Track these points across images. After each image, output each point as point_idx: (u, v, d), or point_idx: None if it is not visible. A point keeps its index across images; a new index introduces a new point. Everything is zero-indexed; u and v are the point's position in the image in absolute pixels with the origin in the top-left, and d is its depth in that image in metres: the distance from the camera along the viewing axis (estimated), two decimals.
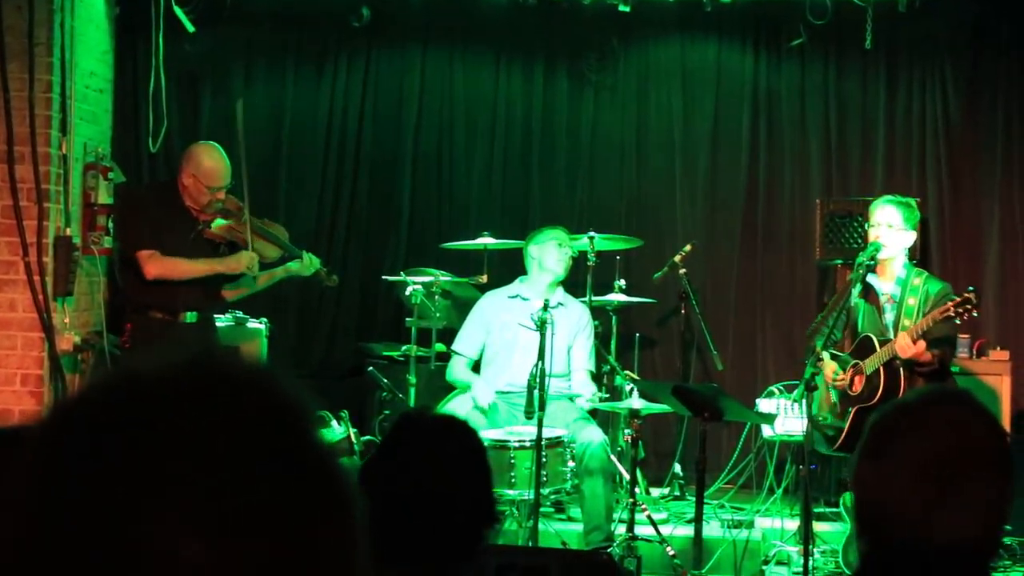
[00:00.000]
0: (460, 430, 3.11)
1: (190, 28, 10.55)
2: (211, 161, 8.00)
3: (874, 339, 7.41)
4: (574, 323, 8.80)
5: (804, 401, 7.47)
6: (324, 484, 1.26)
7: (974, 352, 9.91)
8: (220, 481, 1.16)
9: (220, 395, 1.23)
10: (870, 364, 7.39)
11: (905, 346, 7.22)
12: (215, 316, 8.69)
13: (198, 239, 7.95)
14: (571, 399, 8.68)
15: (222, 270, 7.96)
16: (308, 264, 8.29)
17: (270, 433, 1.23)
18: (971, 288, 7.09)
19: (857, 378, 7.51)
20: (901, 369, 7.35)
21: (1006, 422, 9.61)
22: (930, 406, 2.56)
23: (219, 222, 8.02)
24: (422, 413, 3.19)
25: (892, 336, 7.38)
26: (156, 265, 7.80)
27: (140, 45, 10.76)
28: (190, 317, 8.00)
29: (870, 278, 7.66)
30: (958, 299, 7.04)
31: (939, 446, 2.45)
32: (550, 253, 8.74)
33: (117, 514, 1.14)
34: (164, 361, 1.26)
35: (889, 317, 7.57)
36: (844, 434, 7.55)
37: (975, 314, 7.12)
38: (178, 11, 10.45)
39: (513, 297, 8.85)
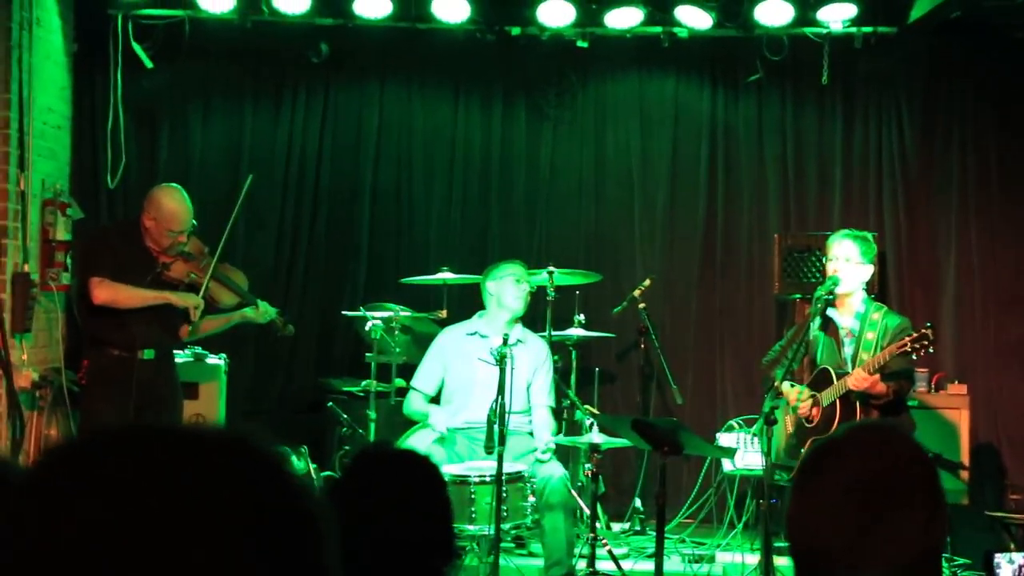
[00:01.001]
0: (421, 465, 3.09)
1: (148, 64, 10.57)
2: (172, 204, 7.98)
3: (832, 372, 7.43)
4: (533, 359, 8.77)
5: (763, 435, 7.47)
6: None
7: (932, 386, 9.95)
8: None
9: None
10: (827, 396, 7.41)
11: (859, 379, 7.25)
12: (174, 352, 8.64)
13: (156, 280, 7.91)
14: (531, 435, 8.66)
15: (172, 301, 7.90)
16: (263, 312, 8.28)
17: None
18: (928, 324, 7.11)
19: (814, 409, 7.53)
20: (856, 403, 7.37)
21: (965, 455, 9.65)
22: (854, 436, 2.59)
23: (178, 265, 7.99)
24: (382, 447, 3.18)
25: (850, 369, 7.40)
26: (104, 290, 7.77)
27: (98, 81, 10.77)
28: (148, 354, 7.96)
29: (830, 312, 7.68)
30: (915, 335, 7.07)
31: (866, 474, 2.46)
32: (507, 290, 8.72)
33: None
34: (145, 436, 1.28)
35: (848, 351, 7.59)
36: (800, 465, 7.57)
37: (931, 350, 7.15)
38: (136, 48, 10.47)
39: (472, 334, 8.83)
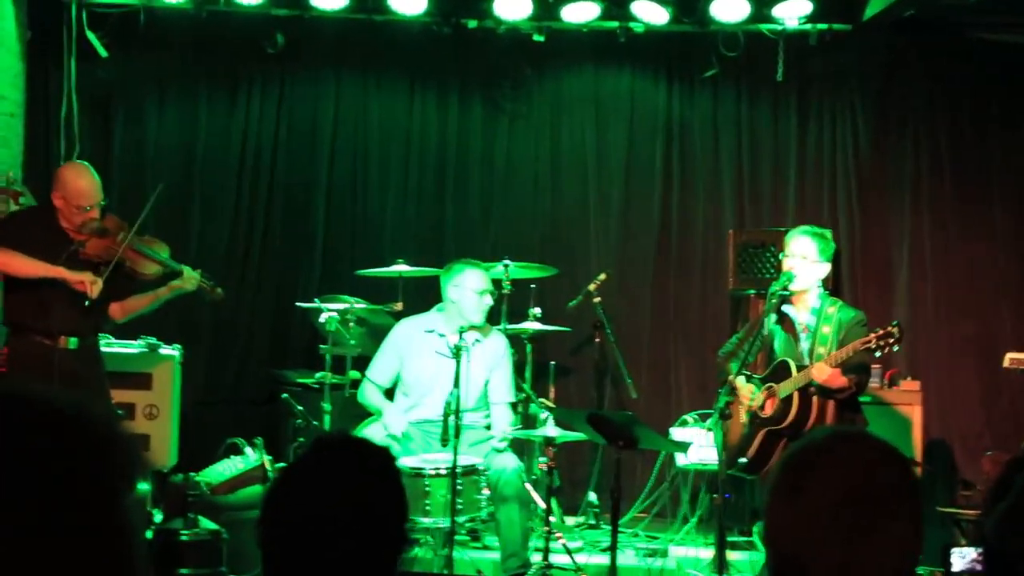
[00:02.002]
0: (376, 453, 3.07)
1: (103, 53, 10.52)
2: (78, 181, 7.84)
3: (791, 364, 7.46)
4: (491, 357, 8.73)
5: (718, 429, 7.50)
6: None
7: (885, 382, 10.00)
8: None
9: None
10: (784, 388, 7.43)
11: (822, 372, 7.27)
12: (120, 341, 8.54)
13: (73, 258, 7.77)
14: (487, 428, 8.65)
15: (64, 276, 7.70)
16: (189, 278, 8.16)
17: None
18: (895, 322, 7.12)
19: (769, 400, 7.55)
20: (814, 396, 7.40)
21: (918, 452, 9.70)
22: (840, 447, 2.55)
23: (95, 242, 7.86)
24: (338, 436, 3.16)
25: (808, 363, 7.42)
26: None
27: (52, 70, 10.69)
28: (71, 343, 7.83)
29: (787, 308, 7.70)
30: (881, 331, 7.07)
31: (853, 487, 2.44)
32: (468, 302, 8.61)
33: None
34: None
35: (805, 345, 7.61)
36: (752, 456, 7.59)
37: (896, 348, 7.16)
38: (91, 36, 10.41)
39: (430, 331, 8.77)
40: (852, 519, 2.41)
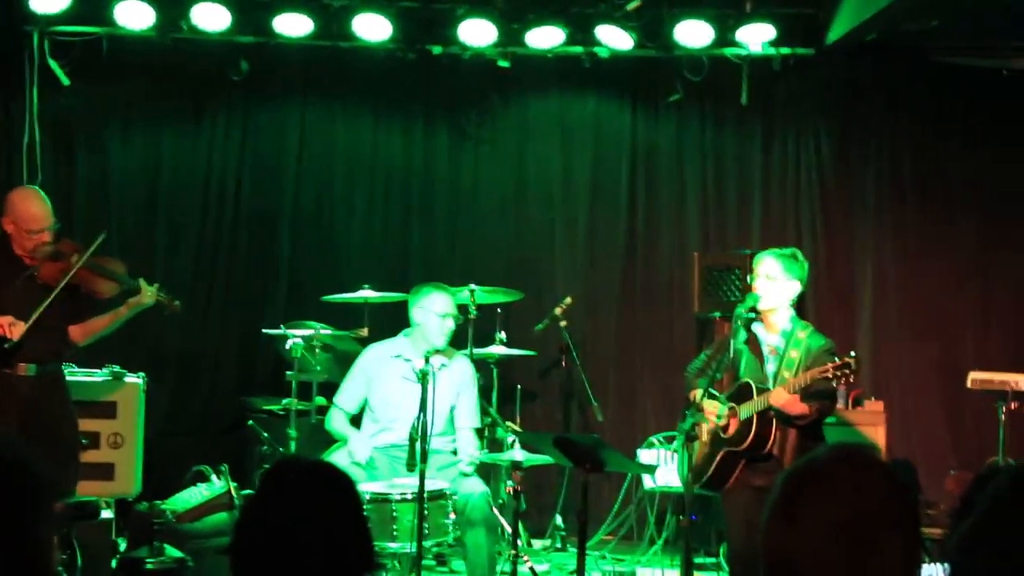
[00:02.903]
0: (332, 476, 3.08)
1: (65, 81, 10.48)
2: (27, 205, 7.80)
3: (753, 386, 7.46)
4: (457, 382, 8.71)
5: (684, 452, 7.49)
6: None
7: (850, 402, 10.04)
8: None
9: None
10: (745, 410, 7.43)
11: (780, 397, 7.28)
12: (79, 369, 8.46)
13: (30, 284, 7.73)
14: (453, 453, 8.64)
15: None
16: (147, 293, 8.09)
17: None
18: (853, 354, 7.13)
19: (732, 421, 7.56)
20: (774, 419, 7.41)
21: None
22: (842, 469, 2.54)
23: (50, 266, 7.81)
24: (295, 460, 3.17)
25: (771, 386, 7.43)
26: None
27: (14, 98, 10.65)
28: (31, 370, 7.77)
29: (755, 328, 7.71)
30: (838, 362, 7.08)
31: (853, 511, 2.44)
32: (432, 326, 8.62)
33: None
34: None
35: (771, 368, 7.61)
36: (710, 474, 7.59)
37: (851, 380, 7.19)
38: (53, 64, 10.39)
39: (396, 356, 8.77)
40: (850, 542, 2.41)
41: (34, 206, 7.81)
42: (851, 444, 2.77)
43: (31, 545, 1.68)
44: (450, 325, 8.66)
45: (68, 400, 8.13)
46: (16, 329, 7.58)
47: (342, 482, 3.07)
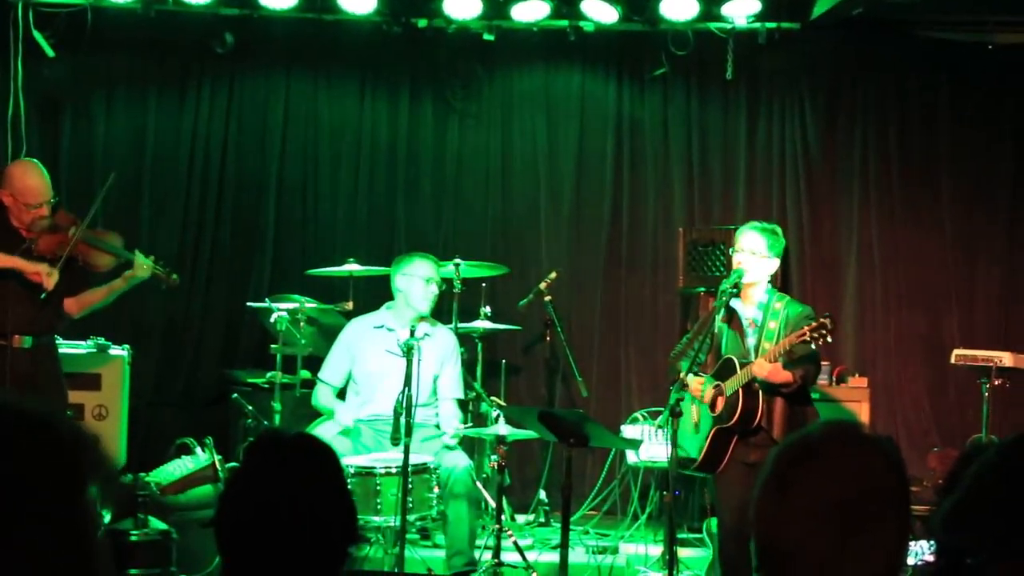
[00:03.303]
0: (316, 448, 3.08)
1: (50, 53, 10.44)
2: (26, 179, 7.81)
3: (735, 361, 7.46)
4: (441, 352, 8.76)
5: (669, 427, 7.50)
6: None
7: (834, 379, 10.05)
8: None
9: None
10: (730, 385, 7.44)
11: (762, 367, 7.29)
12: (68, 341, 8.46)
13: (25, 256, 7.72)
14: (437, 427, 8.65)
15: (19, 266, 7.69)
16: (142, 265, 8.09)
17: None
18: (827, 314, 7.16)
19: (719, 399, 7.56)
20: (760, 391, 7.42)
21: None
22: (836, 445, 2.53)
23: (47, 238, 7.81)
24: (277, 433, 3.17)
25: (753, 359, 7.44)
26: None
27: None
28: (26, 342, 7.78)
29: (734, 303, 7.70)
30: (815, 323, 7.11)
31: (845, 489, 2.43)
32: (416, 291, 8.67)
33: None
34: None
35: (751, 341, 7.62)
36: (703, 455, 7.60)
37: (829, 339, 7.18)
38: (37, 35, 10.34)
39: (379, 327, 8.79)
40: (842, 519, 2.41)
41: (33, 179, 7.81)
42: (844, 421, 2.77)
43: (74, 518, 1.71)
44: (434, 290, 8.70)
45: (60, 372, 8.17)
46: (51, 279, 7.64)
47: (326, 455, 3.07)
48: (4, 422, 1.70)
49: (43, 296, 7.65)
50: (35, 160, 8.14)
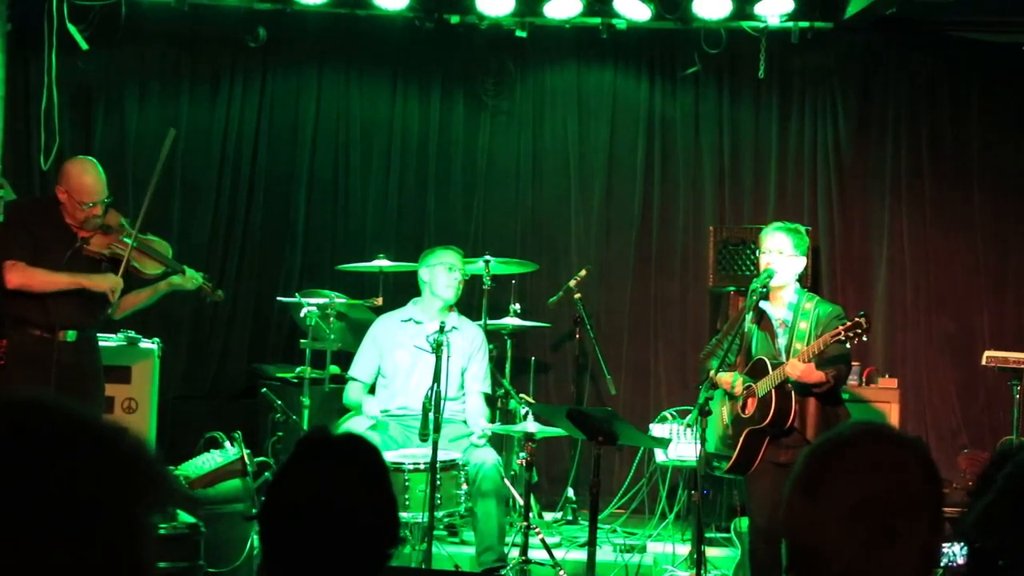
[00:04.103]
0: (364, 449, 3.10)
1: (84, 46, 10.47)
2: (82, 177, 7.82)
3: (767, 361, 7.45)
4: (468, 345, 8.77)
5: (697, 426, 7.49)
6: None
7: (863, 379, 10.02)
8: None
9: None
10: (762, 386, 7.42)
11: (796, 368, 7.27)
12: (98, 334, 8.50)
13: (76, 255, 7.73)
14: (465, 424, 8.66)
15: (86, 285, 7.71)
16: (190, 278, 8.15)
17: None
18: (862, 313, 7.14)
19: (750, 400, 7.54)
20: (792, 392, 7.40)
21: None
22: (868, 445, 2.51)
23: (98, 238, 7.86)
24: (325, 433, 3.17)
25: (785, 360, 7.42)
26: (17, 274, 7.64)
27: (33, 62, 10.65)
28: (70, 336, 7.81)
29: (763, 304, 7.69)
30: (849, 323, 7.10)
31: (878, 489, 2.41)
32: (439, 278, 8.70)
33: None
34: None
35: (782, 341, 7.60)
36: (735, 456, 7.58)
37: (864, 338, 7.16)
38: (72, 29, 10.37)
39: (406, 321, 8.82)
40: (873, 519, 2.39)
41: (90, 178, 7.83)
42: (875, 421, 2.74)
43: (127, 537, 1.72)
44: (457, 277, 8.72)
45: (101, 366, 8.22)
46: (116, 294, 7.74)
47: (374, 457, 3.09)
48: (64, 431, 1.68)
49: (111, 311, 7.74)
50: (93, 159, 8.14)
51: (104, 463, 1.66)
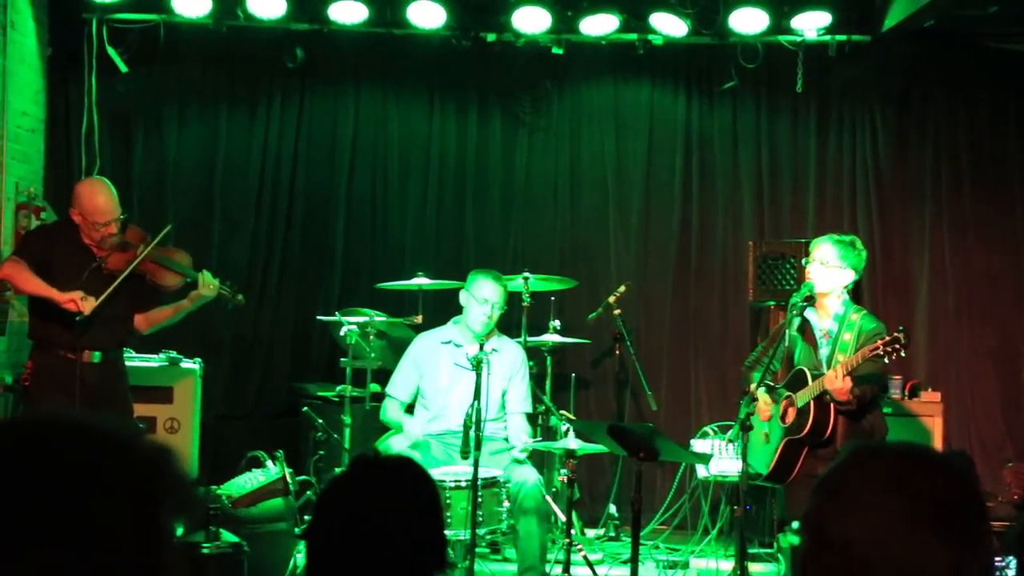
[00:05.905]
0: (414, 472, 3.11)
1: (123, 68, 10.55)
2: (94, 198, 7.84)
3: (807, 372, 7.44)
4: (509, 366, 8.75)
5: (739, 441, 7.48)
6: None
7: (906, 392, 9.98)
8: None
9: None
10: (801, 397, 7.41)
11: (834, 380, 7.25)
12: (140, 355, 8.51)
13: (95, 275, 7.77)
14: (506, 440, 8.65)
15: (53, 296, 7.64)
16: (208, 285, 8.14)
17: None
18: (901, 328, 7.13)
19: (790, 410, 7.53)
20: (831, 404, 7.38)
21: None
22: (897, 461, 2.44)
23: (116, 256, 7.88)
24: (377, 455, 3.19)
25: (825, 371, 7.41)
26: (9, 267, 7.74)
27: (73, 85, 10.73)
28: (94, 357, 7.85)
29: (808, 313, 7.69)
30: (887, 338, 7.08)
31: (905, 506, 2.33)
32: (473, 309, 8.67)
33: None
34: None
35: (824, 352, 7.60)
36: (774, 464, 7.58)
37: (903, 354, 7.15)
38: (111, 52, 10.45)
39: (446, 343, 8.81)
40: (911, 530, 2.30)
41: (100, 198, 7.85)
42: (914, 442, 2.68)
43: (147, 542, 1.73)
44: (488, 312, 8.65)
45: (127, 387, 8.24)
46: (87, 304, 7.66)
47: (424, 480, 3.11)
48: (78, 441, 1.70)
49: (78, 319, 7.67)
50: (103, 178, 8.19)
51: (120, 467, 1.67)
